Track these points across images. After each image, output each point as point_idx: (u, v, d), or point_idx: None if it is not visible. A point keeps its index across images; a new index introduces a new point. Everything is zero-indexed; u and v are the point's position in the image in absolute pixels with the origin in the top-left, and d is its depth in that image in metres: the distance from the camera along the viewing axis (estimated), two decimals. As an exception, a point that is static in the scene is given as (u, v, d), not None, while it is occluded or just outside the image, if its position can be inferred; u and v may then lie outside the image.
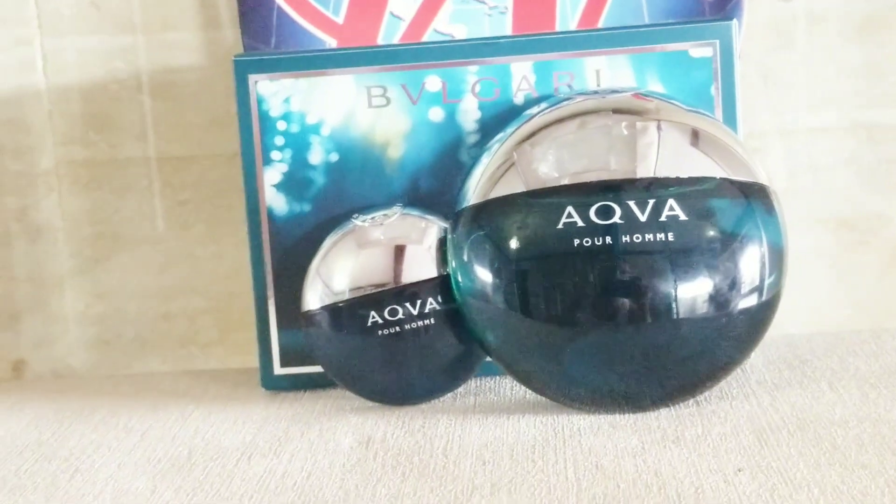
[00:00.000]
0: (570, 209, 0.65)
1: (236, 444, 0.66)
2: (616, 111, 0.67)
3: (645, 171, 0.65)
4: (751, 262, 0.65)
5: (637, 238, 0.64)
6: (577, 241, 0.64)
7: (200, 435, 0.68)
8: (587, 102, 0.68)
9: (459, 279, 0.67)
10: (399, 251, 0.69)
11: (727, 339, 0.65)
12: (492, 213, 0.67)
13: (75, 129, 0.83)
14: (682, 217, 0.64)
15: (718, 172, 0.66)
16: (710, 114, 0.69)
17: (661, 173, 0.65)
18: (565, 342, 0.65)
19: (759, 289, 0.65)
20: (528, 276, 0.65)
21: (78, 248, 0.84)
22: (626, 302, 0.64)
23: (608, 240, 0.64)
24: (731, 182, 0.66)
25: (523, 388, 0.71)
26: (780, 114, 0.80)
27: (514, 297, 0.65)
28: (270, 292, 0.73)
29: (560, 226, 0.64)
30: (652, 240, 0.64)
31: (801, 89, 0.80)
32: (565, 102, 0.69)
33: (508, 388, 0.72)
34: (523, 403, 0.69)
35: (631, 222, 0.64)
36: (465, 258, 0.67)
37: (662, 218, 0.64)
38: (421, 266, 0.69)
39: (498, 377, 0.74)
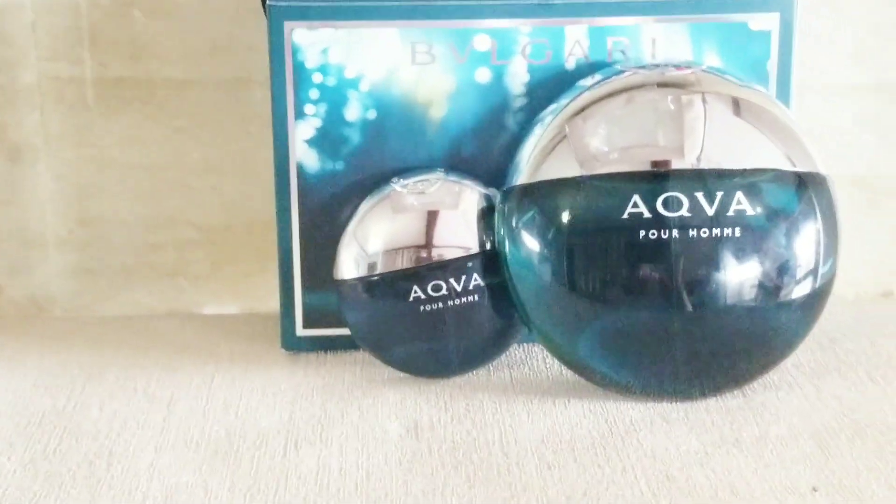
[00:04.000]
0: (636, 198, 0.62)
1: (274, 425, 0.63)
2: (679, 86, 0.65)
3: (710, 159, 0.63)
4: (806, 250, 0.64)
5: (704, 232, 0.62)
6: (642, 233, 0.62)
7: (232, 410, 0.65)
8: (649, 75, 0.65)
9: (509, 253, 0.65)
10: (441, 220, 0.66)
11: (780, 330, 0.64)
12: (548, 192, 0.64)
13: (61, 43, 0.77)
14: (748, 211, 0.62)
15: (783, 163, 0.64)
16: (770, 94, 0.67)
17: (725, 161, 0.63)
18: (617, 327, 0.63)
19: (813, 274, 0.64)
20: (582, 257, 0.63)
21: (61, 171, 0.79)
22: (684, 291, 0.62)
23: (673, 232, 0.62)
24: (794, 173, 0.64)
25: (554, 359, 0.70)
26: (802, 69, 0.78)
27: (565, 275, 0.63)
28: (296, 252, 0.70)
29: (625, 216, 0.62)
30: (718, 234, 0.62)
31: (825, 46, 0.78)
32: (625, 74, 0.66)
33: (540, 359, 0.71)
34: (560, 381, 0.68)
35: (697, 214, 0.62)
36: (518, 233, 0.64)
37: (730, 213, 0.62)
38: (464, 237, 0.66)
39: (526, 345, 0.72)
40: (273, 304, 0.79)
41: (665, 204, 0.62)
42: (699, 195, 0.62)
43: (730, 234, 0.62)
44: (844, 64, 0.79)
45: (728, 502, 0.56)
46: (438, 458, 0.60)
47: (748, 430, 0.62)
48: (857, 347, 0.72)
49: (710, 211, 0.62)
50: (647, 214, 0.62)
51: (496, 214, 0.66)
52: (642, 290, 0.63)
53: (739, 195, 0.62)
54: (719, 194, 0.62)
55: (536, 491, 0.57)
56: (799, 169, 0.64)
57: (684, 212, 0.62)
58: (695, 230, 0.62)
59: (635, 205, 0.62)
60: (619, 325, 0.64)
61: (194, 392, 0.67)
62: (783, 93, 0.69)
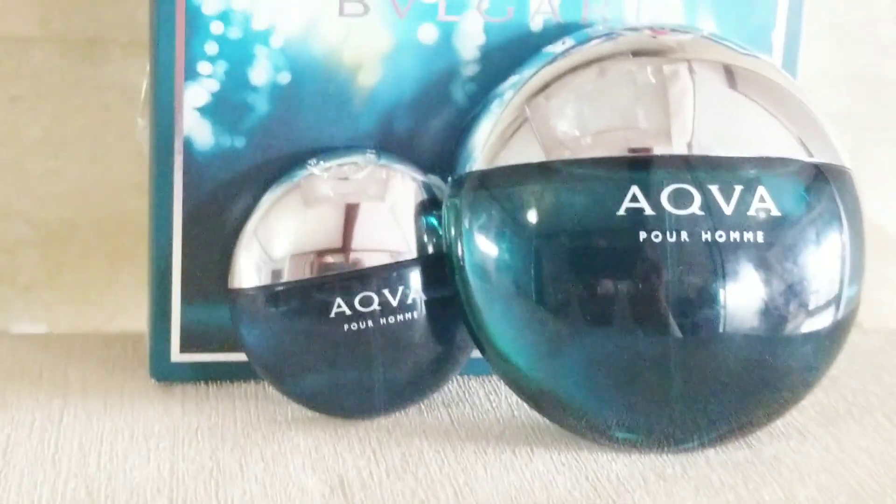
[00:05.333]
0: (634, 190, 0.49)
1: (151, 480, 0.47)
2: (659, 55, 0.51)
3: (701, 144, 0.50)
4: (829, 269, 0.51)
5: (720, 236, 0.49)
6: (642, 235, 0.48)
7: (92, 459, 0.49)
8: (624, 41, 0.52)
9: (462, 259, 0.50)
10: (372, 216, 0.52)
11: (798, 366, 0.51)
12: (513, 181, 0.50)
13: None
14: (773, 211, 0.49)
15: (798, 151, 0.51)
16: (775, 63, 0.55)
17: (724, 148, 0.50)
18: (599, 353, 0.49)
19: (836, 299, 0.51)
20: (557, 264, 0.49)
21: None
22: (677, 312, 0.49)
23: (682, 235, 0.48)
24: (815, 166, 0.51)
25: (499, 395, 0.56)
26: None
27: (533, 287, 0.49)
28: (177, 252, 0.54)
29: (622, 212, 0.48)
30: (738, 239, 0.49)
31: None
32: (595, 41, 0.53)
33: (482, 395, 0.56)
34: (515, 424, 0.54)
35: (714, 213, 0.49)
36: (472, 233, 0.50)
37: (751, 211, 0.49)
38: (402, 239, 0.52)
39: (463, 378, 0.58)
40: (133, 322, 0.64)
41: (672, 199, 0.49)
42: (714, 188, 0.49)
43: (750, 240, 0.49)
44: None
45: (777, 590, 0.43)
46: (382, 530, 0.45)
47: (770, 493, 0.49)
48: (862, 386, 0.59)
49: (728, 209, 0.49)
50: (648, 211, 0.49)
51: (444, 210, 0.52)
52: (634, 307, 0.49)
53: (762, 191, 0.49)
54: (738, 189, 0.49)
55: (523, 574, 0.43)
56: (817, 160, 0.51)
57: (695, 209, 0.49)
58: (708, 233, 0.49)
59: (634, 198, 0.49)
60: (602, 350, 0.50)
61: (38, 434, 0.51)
62: (790, 67, 0.56)
